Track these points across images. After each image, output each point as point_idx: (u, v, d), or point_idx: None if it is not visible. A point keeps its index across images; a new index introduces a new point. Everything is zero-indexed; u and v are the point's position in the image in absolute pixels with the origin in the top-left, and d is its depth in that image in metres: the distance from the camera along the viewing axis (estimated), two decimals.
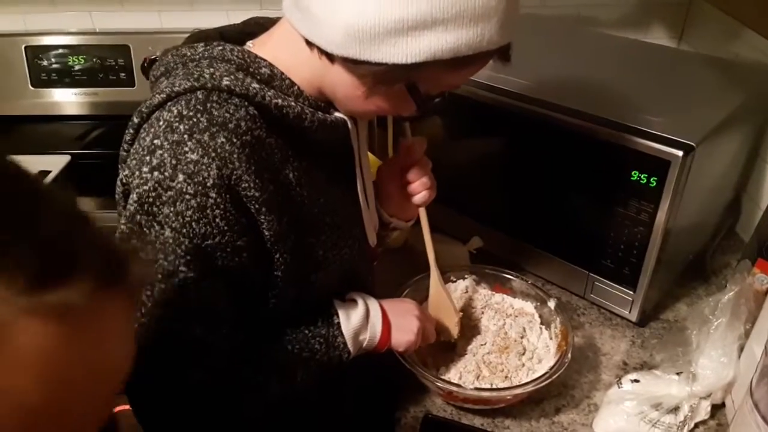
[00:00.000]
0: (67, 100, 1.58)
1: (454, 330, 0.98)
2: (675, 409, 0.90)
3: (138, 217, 0.65)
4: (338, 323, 0.81)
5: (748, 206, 1.30)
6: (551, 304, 1.01)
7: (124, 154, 0.71)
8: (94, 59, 1.54)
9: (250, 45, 0.75)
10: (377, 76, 0.66)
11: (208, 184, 0.63)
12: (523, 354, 0.99)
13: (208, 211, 0.64)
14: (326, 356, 0.79)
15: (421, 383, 0.94)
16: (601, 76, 1.16)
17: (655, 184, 0.94)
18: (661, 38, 1.59)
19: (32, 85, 1.55)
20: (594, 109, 1.00)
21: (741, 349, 0.91)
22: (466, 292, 1.08)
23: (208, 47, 0.72)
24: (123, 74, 1.55)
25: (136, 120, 0.70)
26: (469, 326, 1.04)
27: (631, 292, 1.06)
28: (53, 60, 1.54)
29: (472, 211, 1.24)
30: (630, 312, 1.08)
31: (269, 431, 0.86)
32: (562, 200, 1.10)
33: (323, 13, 0.63)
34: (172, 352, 0.67)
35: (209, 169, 0.63)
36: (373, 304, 0.85)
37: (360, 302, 0.84)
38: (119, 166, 0.72)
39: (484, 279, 1.09)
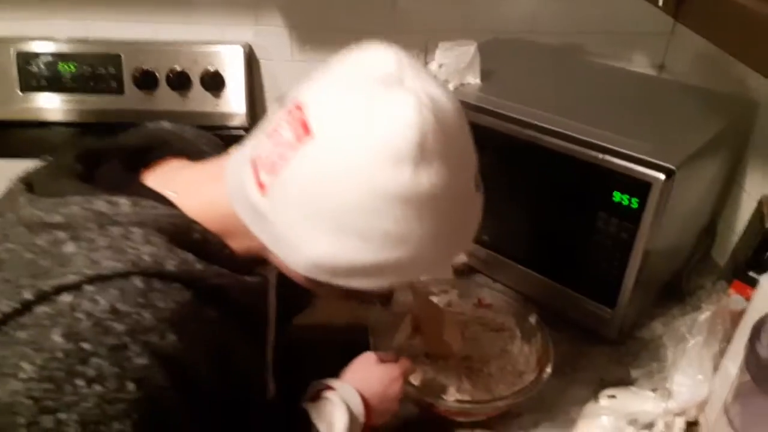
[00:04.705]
0: (56, 106, 1.58)
1: (457, 341, 1.01)
2: (650, 425, 0.92)
3: None
4: None
5: (723, 231, 1.33)
6: (532, 319, 1.03)
7: (4, 327, 0.54)
8: (85, 67, 1.54)
9: (172, 195, 0.64)
10: (335, 289, 0.65)
11: (162, 386, 0.56)
12: (504, 368, 1.01)
13: (162, 413, 0.56)
14: None
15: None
16: (587, 100, 1.19)
17: (636, 205, 0.97)
18: (643, 66, 1.64)
19: (21, 90, 1.55)
20: (580, 132, 1.03)
21: (715, 367, 0.93)
22: (449, 306, 1.09)
23: (135, 207, 0.60)
24: (113, 83, 1.55)
25: (27, 296, 0.54)
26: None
27: (610, 310, 1.08)
28: (43, 66, 1.54)
29: None
30: (608, 329, 1.10)
31: None
32: (546, 218, 1.12)
33: (291, 238, 0.60)
34: None
35: (160, 371, 0.55)
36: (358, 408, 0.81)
37: (341, 417, 0.78)
38: None
39: (466, 293, 1.11)
